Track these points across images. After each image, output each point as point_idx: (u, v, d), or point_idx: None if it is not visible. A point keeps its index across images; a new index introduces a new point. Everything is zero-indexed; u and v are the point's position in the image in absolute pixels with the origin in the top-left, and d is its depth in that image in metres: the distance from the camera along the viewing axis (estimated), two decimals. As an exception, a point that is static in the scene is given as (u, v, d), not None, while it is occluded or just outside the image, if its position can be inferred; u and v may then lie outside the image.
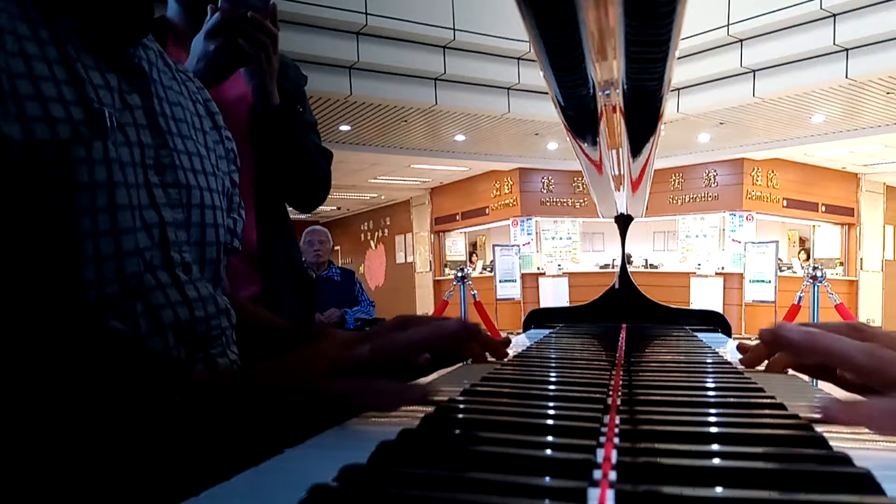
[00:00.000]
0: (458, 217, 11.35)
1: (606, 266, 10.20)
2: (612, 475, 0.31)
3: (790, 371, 0.62)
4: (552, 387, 0.57)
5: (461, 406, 0.48)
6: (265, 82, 1.13)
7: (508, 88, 7.05)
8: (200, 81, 0.93)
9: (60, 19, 0.57)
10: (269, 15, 1.07)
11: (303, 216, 14.24)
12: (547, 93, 0.69)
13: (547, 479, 0.30)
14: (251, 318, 0.79)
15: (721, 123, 7.60)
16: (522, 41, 6.01)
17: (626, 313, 1.29)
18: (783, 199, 9.34)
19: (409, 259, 12.59)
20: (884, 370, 0.39)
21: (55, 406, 0.47)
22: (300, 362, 0.49)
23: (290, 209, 1.36)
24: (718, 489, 0.29)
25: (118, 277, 0.56)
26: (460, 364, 0.68)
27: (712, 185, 9.31)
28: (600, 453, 0.34)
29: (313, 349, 0.51)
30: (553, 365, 0.71)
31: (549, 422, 0.42)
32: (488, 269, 10.26)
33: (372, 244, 14.27)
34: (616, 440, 0.37)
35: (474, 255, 11.97)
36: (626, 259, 1.35)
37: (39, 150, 0.51)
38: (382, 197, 12.60)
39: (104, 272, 0.55)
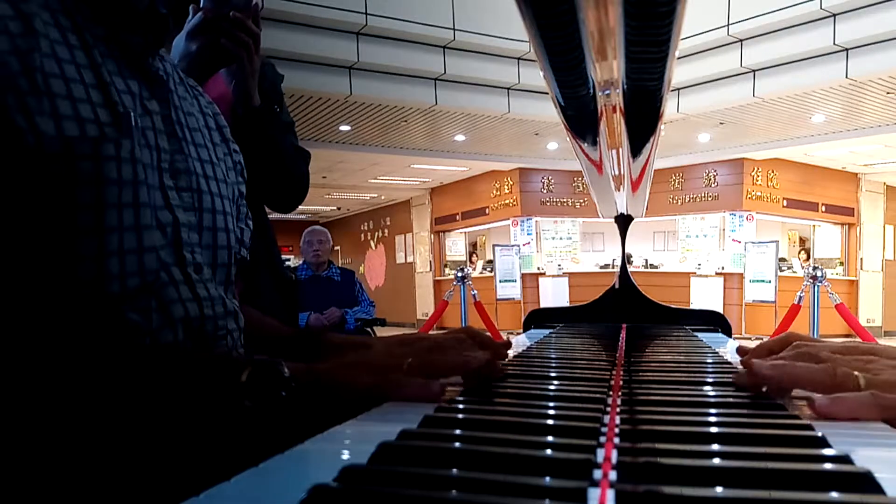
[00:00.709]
0: (458, 217, 11.34)
1: (606, 266, 10.19)
2: (612, 475, 0.31)
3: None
4: (552, 387, 0.57)
5: (461, 406, 0.48)
6: (246, 82, 1.13)
7: (508, 88, 7.05)
8: None
9: (87, 26, 0.60)
10: (252, 15, 1.06)
11: (302, 216, 14.24)
12: (547, 93, 0.69)
13: (547, 479, 0.30)
14: (256, 325, 0.82)
15: (721, 123, 7.60)
16: (522, 41, 6.01)
17: (626, 313, 1.29)
18: (783, 199, 9.34)
19: (409, 259, 12.58)
20: (842, 386, 0.49)
21: (70, 396, 0.48)
22: (357, 365, 0.58)
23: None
24: (718, 489, 0.29)
25: (139, 271, 0.59)
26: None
27: (712, 185, 9.31)
28: (600, 453, 0.34)
29: (368, 354, 0.63)
30: (553, 365, 0.71)
31: (550, 421, 0.42)
32: (488, 269, 10.26)
33: (372, 244, 14.27)
34: (616, 440, 0.37)
35: (474, 255, 11.97)
36: (626, 259, 1.35)
37: (71, 146, 0.54)
38: (382, 197, 12.59)
39: (126, 266, 0.58)
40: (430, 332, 0.74)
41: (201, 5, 1.04)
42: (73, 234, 0.54)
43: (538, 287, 9.91)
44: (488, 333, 0.76)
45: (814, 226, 10.10)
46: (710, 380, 0.61)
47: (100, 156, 0.56)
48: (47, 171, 0.53)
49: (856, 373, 0.49)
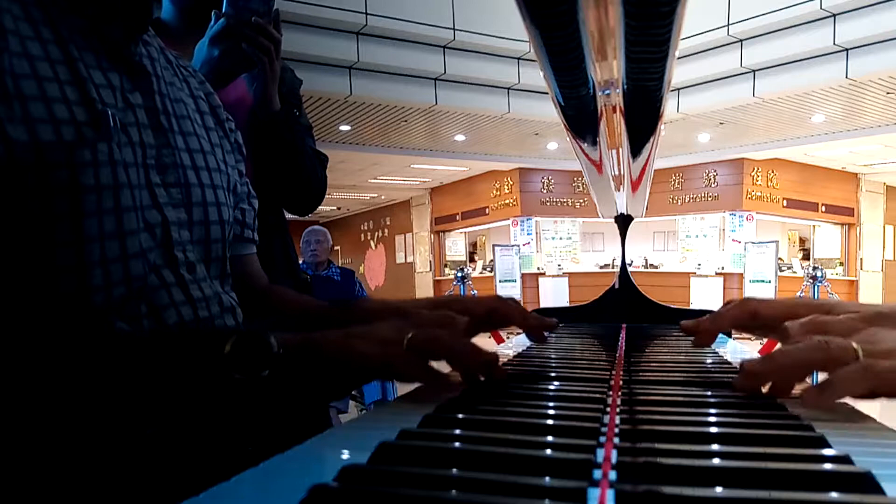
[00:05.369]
0: (458, 217, 11.35)
1: (606, 266, 10.20)
2: (612, 475, 0.31)
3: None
4: (552, 386, 0.57)
5: (461, 406, 0.48)
6: (267, 87, 1.15)
7: (508, 88, 7.05)
8: None
9: (62, 18, 0.57)
10: (273, 20, 1.08)
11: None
12: (547, 93, 0.69)
13: (547, 479, 0.30)
14: (294, 305, 0.81)
15: (721, 123, 7.60)
16: (522, 41, 6.01)
17: (626, 313, 1.29)
18: (783, 199, 9.34)
19: (409, 259, 12.59)
20: (839, 360, 0.46)
21: (62, 409, 0.47)
22: (359, 336, 0.52)
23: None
24: (718, 489, 0.29)
25: (124, 280, 0.56)
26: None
27: (712, 185, 9.31)
28: (600, 453, 0.34)
29: (371, 328, 0.54)
30: (553, 364, 0.71)
31: (549, 421, 0.42)
32: (488, 269, 10.26)
33: (372, 244, 14.27)
34: (616, 440, 0.37)
35: (475, 255, 11.97)
36: (625, 261, 1.35)
37: (45, 153, 0.51)
38: (382, 197, 12.60)
39: (111, 275, 0.55)
40: (474, 296, 0.73)
41: (223, 11, 1.05)
42: (51, 247, 0.52)
43: (538, 287, 9.91)
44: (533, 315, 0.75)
45: (814, 226, 10.11)
46: (709, 380, 0.61)
47: (75, 163, 0.52)
48: (20, 182, 0.50)
49: (854, 344, 0.46)
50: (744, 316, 0.64)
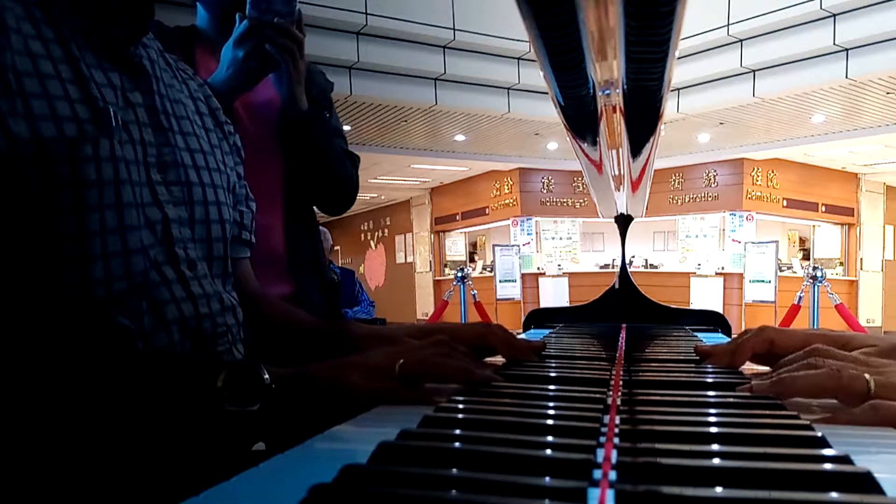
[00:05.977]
0: (458, 217, 11.34)
1: (606, 266, 10.20)
2: (612, 475, 0.31)
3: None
4: (552, 386, 0.57)
5: (461, 406, 0.48)
6: (293, 87, 1.16)
7: (508, 88, 7.05)
8: (230, 88, 0.97)
9: (64, 18, 0.57)
10: (295, 21, 1.09)
11: (303, 216, 14.22)
12: (547, 93, 0.69)
13: (547, 479, 0.30)
14: (284, 316, 0.81)
15: (721, 123, 7.60)
16: (522, 41, 6.01)
17: (626, 313, 1.29)
18: (783, 199, 9.34)
19: (409, 259, 12.58)
20: (849, 388, 0.48)
21: (61, 404, 0.47)
22: (351, 367, 0.55)
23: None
24: (718, 489, 0.29)
25: (126, 274, 0.57)
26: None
27: (712, 185, 9.31)
28: (600, 453, 0.34)
29: (363, 357, 0.57)
30: (553, 365, 0.71)
31: (549, 422, 0.42)
32: (488, 269, 10.25)
33: (372, 244, 14.27)
34: (616, 440, 0.37)
35: (475, 254, 11.97)
36: (626, 260, 1.35)
37: (47, 148, 0.52)
38: (382, 197, 12.59)
39: (112, 269, 0.56)
40: (462, 324, 0.75)
41: (247, 13, 1.06)
42: (53, 240, 0.52)
43: (538, 287, 9.91)
44: (521, 336, 0.76)
45: (814, 226, 10.10)
46: (709, 380, 0.61)
47: (78, 157, 0.53)
48: (22, 176, 0.51)
49: (866, 375, 0.47)
50: (762, 346, 0.65)
